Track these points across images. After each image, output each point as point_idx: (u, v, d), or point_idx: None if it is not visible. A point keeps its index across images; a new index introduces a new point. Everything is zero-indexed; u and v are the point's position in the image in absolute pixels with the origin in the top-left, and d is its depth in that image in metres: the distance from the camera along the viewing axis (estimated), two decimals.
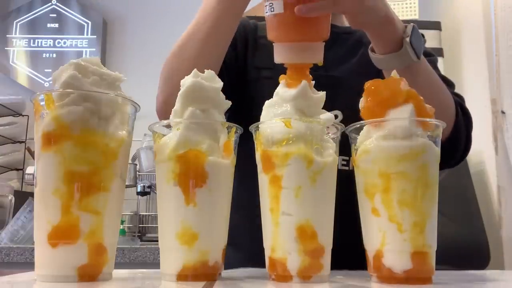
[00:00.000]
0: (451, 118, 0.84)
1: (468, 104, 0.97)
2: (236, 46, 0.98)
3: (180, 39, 0.85)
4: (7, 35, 3.06)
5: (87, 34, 3.09)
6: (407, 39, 0.73)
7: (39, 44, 3.07)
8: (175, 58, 0.84)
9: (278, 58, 0.61)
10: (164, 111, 0.84)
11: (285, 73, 1.00)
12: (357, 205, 0.59)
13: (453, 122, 0.83)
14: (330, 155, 0.57)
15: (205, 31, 0.81)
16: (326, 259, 0.56)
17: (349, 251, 0.72)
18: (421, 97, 0.56)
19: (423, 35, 1.01)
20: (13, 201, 2.36)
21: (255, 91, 0.65)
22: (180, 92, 0.58)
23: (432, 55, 0.99)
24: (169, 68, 0.85)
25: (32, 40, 3.07)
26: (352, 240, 0.68)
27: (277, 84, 0.81)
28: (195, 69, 0.60)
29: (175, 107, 0.58)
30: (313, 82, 0.60)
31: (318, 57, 0.61)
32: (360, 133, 0.58)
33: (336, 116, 0.85)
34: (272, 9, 0.60)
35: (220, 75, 0.89)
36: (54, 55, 3.06)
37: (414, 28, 0.74)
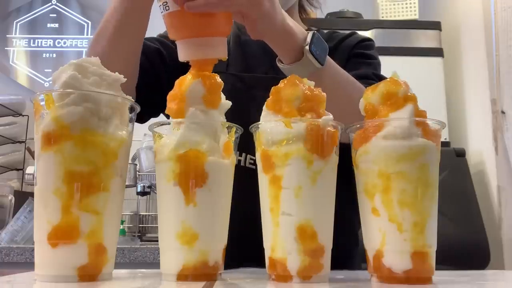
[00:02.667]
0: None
1: (468, 104, 0.98)
2: None
3: (94, 35, 0.84)
4: (7, 35, 3.06)
5: (87, 34, 3.09)
6: (307, 48, 0.73)
7: (39, 44, 3.07)
8: (89, 52, 0.83)
9: (181, 56, 0.61)
10: None
11: (236, 77, 1.00)
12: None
13: None
14: (330, 155, 0.57)
15: (112, 29, 0.81)
16: (326, 259, 0.56)
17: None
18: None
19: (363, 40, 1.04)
20: (13, 201, 2.36)
21: None
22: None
23: (374, 58, 1.01)
24: None
25: (32, 40, 3.07)
26: None
27: (230, 87, 0.81)
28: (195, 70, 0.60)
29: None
30: (312, 82, 0.60)
31: (220, 52, 0.60)
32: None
33: None
34: (167, 8, 0.59)
35: (167, 84, 0.88)
36: (54, 55, 3.06)
37: (314, 35, 0.74)
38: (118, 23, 0.80)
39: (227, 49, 0.98)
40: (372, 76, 0.95)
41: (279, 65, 0.77)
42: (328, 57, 0.78)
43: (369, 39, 1.07)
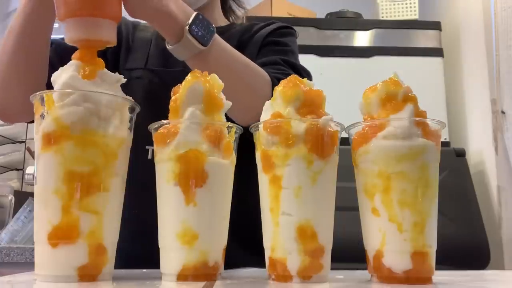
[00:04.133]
0: (263, 98, 0.78)
1: (468, 104, 0.98)
2: (106, 54, 0.98)
3: None
4: None
5: None
6: (186, 28, 0.72)
7: None
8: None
9: (69, 36, 0.59)
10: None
11: (154, 73, 0.98)
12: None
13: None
14: (330, 155, 0.57)
15: (13, 39, 0.79)
16: (326, 259, 0.56)
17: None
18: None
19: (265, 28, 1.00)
20: (13, 201, 2.36)
21: (125, 92, 0.67)
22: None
23: (286, 45, 0.98)
24: None
25: None
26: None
27: (147, 83, 0.79)
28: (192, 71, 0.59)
29: None
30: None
31: (109, 36, 0.60)
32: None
33: None
34: None
35: None
36: None
37: (196, 17, 0.74)
38: (19, 36, 0.78)
39: (148, 49, 0.96)
40: (279, 62, 0.91)
41: (168, 47, 0.76)
42: (219, 40, 0.77)
43: (286, 27, 1.03)
